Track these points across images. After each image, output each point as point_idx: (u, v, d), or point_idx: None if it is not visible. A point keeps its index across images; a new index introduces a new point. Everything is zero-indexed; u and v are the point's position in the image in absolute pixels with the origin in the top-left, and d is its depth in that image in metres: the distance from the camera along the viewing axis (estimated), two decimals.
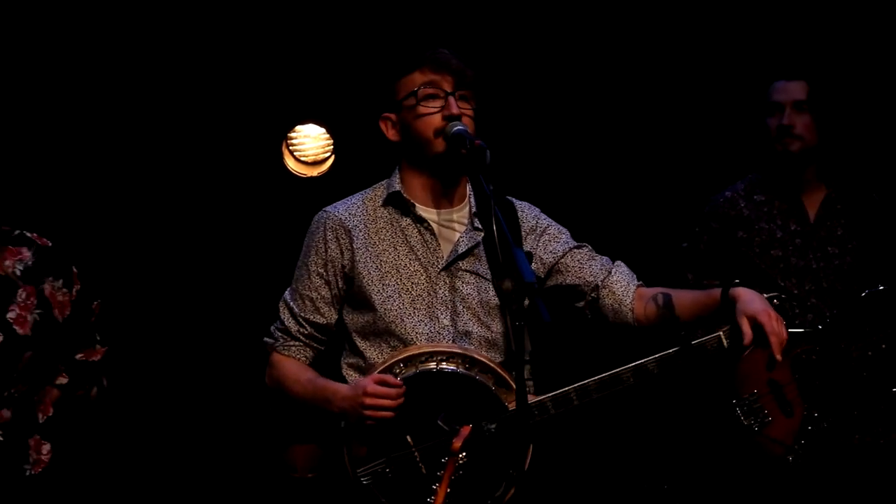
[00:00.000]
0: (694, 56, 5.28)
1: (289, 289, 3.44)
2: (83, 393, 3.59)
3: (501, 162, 3.33)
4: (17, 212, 3.51)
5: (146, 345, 5.15)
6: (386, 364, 3.24)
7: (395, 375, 3.21)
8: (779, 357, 3.14)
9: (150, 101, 5.24)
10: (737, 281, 3.26)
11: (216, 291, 5.38)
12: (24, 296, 3.42)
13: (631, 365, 3.25)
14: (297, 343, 3.40)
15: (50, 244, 3.51)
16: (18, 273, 3.43)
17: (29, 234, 3.49)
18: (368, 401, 3.16)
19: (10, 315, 3.39)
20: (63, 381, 3.55)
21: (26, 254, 3.46)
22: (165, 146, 5.30)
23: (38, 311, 3.42)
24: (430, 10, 5.22)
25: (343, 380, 3.36)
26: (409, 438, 3.20)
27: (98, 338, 3.61)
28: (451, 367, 3.23)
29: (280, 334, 3.42)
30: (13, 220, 3.49)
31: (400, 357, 3.24)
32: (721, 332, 3.25)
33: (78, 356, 3.56)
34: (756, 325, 3.14)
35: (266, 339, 3.45)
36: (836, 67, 4.64)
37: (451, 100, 3.26)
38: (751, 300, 3.19)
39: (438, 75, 3.28)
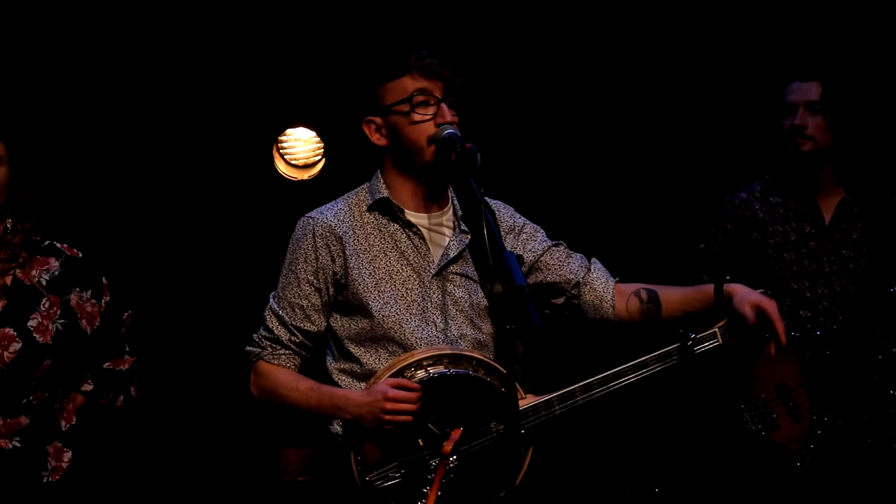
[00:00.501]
0: (711, 58, 5.30)
1: (274, 296, 3.37)
2: (107, 401, 3.60)
3: (504, 165, 3.33)
4: (51, 223, 3.51)
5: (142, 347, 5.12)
6: (396, 368, 3.23)
7: (408, 380, 3.21)
8: (784, 341, 3.19)
9: (144, 105, 5.20)
10: (727, 277, 3.29)
11: (206, 295, 5.35)
12: (47, 305, 3.41)
13: (632, 363, 3.28)
14: (287, 351, 3.35)
15: (80, 255, 3.50)
16: (44, 283, 3.43)
17: (59, 245, 3.50)
18: (389, 406, 3.15)
19: (32, 323, 3.38)
20: (88, 387, 3.56)
21: (54, 264, 3.46)
22: (159, 150, 5.26)
23: (61, 321, 3.42)
24: (413, 11, 5.23)
25: (334, 385, 3.33)
26: (420, 442, 3.20)
27: (127, 349, 3.62)
28: (461, 369, 3.23)
29: (268, 343, 3.36)
30: (47, 231, 3.50)
31: (409, 361, 3.23)
32: (717, 328, 3.28)
33: (105, 365, 3.57)
34: (759, 312, 3.19)
35: (250, 348, 3.39)
36: (851, 68, 4.62)
37: (444, 107, 3.26)
38: (748, 292, 3.24)
39: (430, 82, 3.27)
